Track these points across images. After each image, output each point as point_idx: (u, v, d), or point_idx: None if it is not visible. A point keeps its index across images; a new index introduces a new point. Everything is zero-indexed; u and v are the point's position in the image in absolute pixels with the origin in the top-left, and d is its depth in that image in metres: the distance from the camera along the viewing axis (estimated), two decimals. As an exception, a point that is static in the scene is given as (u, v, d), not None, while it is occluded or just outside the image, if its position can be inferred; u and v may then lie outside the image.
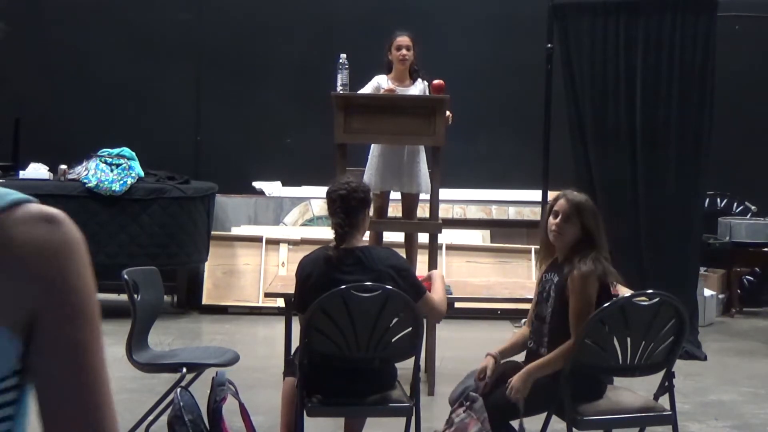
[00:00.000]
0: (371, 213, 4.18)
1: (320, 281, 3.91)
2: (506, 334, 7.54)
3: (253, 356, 6.39)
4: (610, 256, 3.92)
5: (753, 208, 9.10)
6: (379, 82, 6.11)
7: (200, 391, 5.27)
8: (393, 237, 6.63)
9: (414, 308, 3.84)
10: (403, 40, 6.11)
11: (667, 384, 3.94)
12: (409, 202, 6.24)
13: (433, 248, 5.98)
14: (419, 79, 6.16)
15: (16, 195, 1.13)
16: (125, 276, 4.37)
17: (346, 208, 3.96)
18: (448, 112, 5.82)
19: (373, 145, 6.19)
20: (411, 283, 3.97)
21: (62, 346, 1.07)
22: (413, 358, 3.95)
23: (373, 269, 3.89)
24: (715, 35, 7.04)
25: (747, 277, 8.95)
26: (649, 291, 3.96)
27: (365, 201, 4.04)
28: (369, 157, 6.21)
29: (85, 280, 1.12)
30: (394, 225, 6.34)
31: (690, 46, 7.04)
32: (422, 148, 6.14)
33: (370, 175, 6.06)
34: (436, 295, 4.11)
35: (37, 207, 1.12)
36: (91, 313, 1.10)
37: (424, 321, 4.07)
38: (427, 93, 6.06)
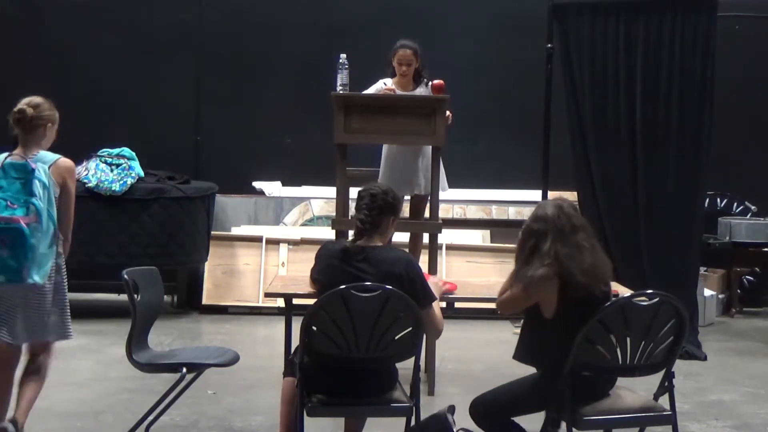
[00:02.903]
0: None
1: (328, 270, 3.97)
2: (506, 334, 7.55)
3: (253, 356, 6.39)
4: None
5: (753, 208, 9.10)
6: (385, 83, 6.10)
7: (200, 390, 5.29)
8: (396, 236, 6.60)
9: (414, 308, 3.84)
10: (404, 55, 6.02)
11: (667, 384, 3.94)
12: (418, 202, 6.24)
13: (433, 248, 5.97)
14: (423, 82, 6.12)
15: (55, 155, 4.42)
16: (125, 276, 4.37)
17: (371, 207, 4.03)
18: (448, 112, 5.81)
19: (384, 152, 6.17)
20: (419, 290, 3.96)
21: (67, 195, 4.38)
22: (413, 358, 3.95)
23: (378, 269, 3.90)
24: (715, 35, 7.04)
25: (747, 277, 8.95)
26: (649, 291, 3.95)
27: (392, 207, 4.09)
28: (381, 162, 6.19)
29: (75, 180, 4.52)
30: (394, 225, 6.31)
31: (690, 46, 7.04)
32: (429, 150, 6.09)
33: (384, 181, 6.02)
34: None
35: (63, 157, 4.42)
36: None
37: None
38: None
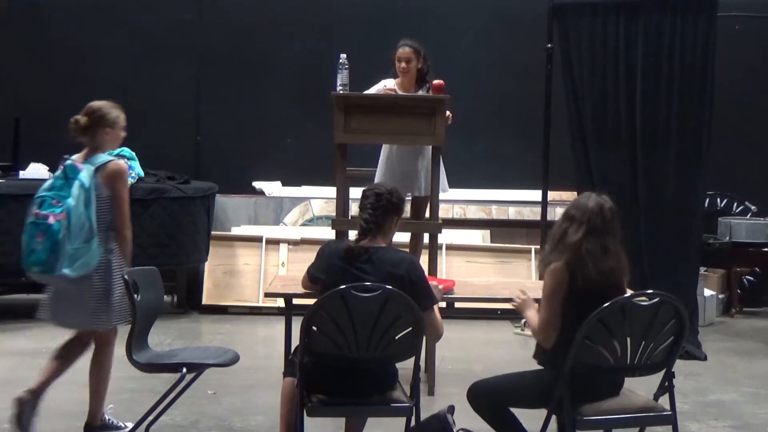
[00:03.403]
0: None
1: (330, 270, 3.97)
2: (506, 334, 7.56)
3: (253, 356, 6.39)
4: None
5: (753, 208, 9.10)
6: (386, 85, 6.10)
7: (200, 390, 5.29)
8: (397, 237, 6.60)
9: (414, 308, 3.84)
10: (403, 53, 6.03)
11: (667, 384, 3.95)
12: (419, 204, 6.24)
13: (433, 248, 5.98)
14: (425, 86, 6.11)
15: (108, 158, 4.67)
16: (125, 276, 4.38)
17: (375, 207, 4.02)
18: (448, 112, 5.81)
19: (383, 153, 6.17)
20: (420, 292, 3.94)
21: (115, 197, 4.62)
22: (413, 358, 3.95)
23: (381, 270, 3.90)
24: (715, 35, 7.04)
25: (747, 277, 8.95)
26: (649, 291, 3.96)
27: (396, 207, 4.09)
28: (378, 163, 6.19)
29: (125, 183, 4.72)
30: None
31: (690, 45, 7.03)
32: (429, 151, 6.09)
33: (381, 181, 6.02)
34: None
35: (114, 161, 4.67)
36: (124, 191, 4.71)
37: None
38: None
